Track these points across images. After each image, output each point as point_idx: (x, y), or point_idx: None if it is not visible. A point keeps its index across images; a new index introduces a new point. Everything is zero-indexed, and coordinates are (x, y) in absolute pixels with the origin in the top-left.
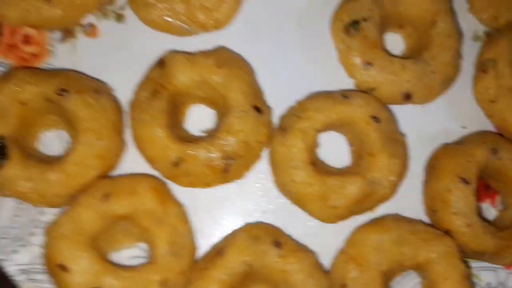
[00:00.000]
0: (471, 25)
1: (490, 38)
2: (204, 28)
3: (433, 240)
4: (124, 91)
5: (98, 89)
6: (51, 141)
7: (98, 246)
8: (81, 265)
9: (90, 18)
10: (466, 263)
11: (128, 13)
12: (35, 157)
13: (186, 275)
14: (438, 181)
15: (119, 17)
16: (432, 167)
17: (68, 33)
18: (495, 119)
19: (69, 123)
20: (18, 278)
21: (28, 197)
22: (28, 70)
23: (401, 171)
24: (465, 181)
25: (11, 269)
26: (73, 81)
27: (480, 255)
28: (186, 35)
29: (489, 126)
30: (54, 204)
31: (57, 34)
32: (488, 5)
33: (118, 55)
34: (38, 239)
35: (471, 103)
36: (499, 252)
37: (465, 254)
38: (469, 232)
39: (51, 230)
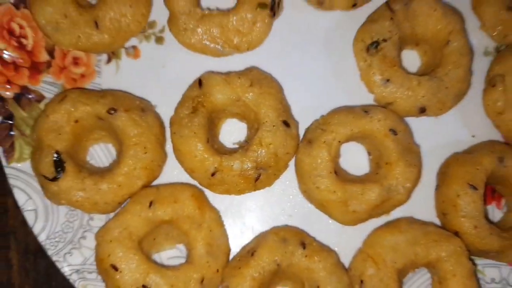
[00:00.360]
0: (482, 41)
1: (499, 54)
2: (238, 49)
3: (443, 241)
4: (164, 108)
5: (144, 107)
6: (97, 152)
7: (143, 248)
8: (130, 265)
9: (132, 41)
10: (472, 260)
11: (167, 35)
12: (86, 169)
13: (221, 273)
14: (449, 187)
15: (159, 40)
16: (444, 174)
17: (113, 55)
18: (502, 130)
19: (117, 138)
20: (72, 277)
21: (81, 205)
22: (81, 91)
23: (416, 178)
24: (473, 187)
25: (66, 270)
26: (121, 100)
27: (485, 254)
28: (220, 56)
29: (497, 136)
30: (104, 211)
31: (103, 56)
32: (498, 23)
33: (158, 74)
34: (89, 242)
35: (481, 114)
36: (503, 250)
37: (472, 253)
38: (476, 233)
39: (102, 234)
